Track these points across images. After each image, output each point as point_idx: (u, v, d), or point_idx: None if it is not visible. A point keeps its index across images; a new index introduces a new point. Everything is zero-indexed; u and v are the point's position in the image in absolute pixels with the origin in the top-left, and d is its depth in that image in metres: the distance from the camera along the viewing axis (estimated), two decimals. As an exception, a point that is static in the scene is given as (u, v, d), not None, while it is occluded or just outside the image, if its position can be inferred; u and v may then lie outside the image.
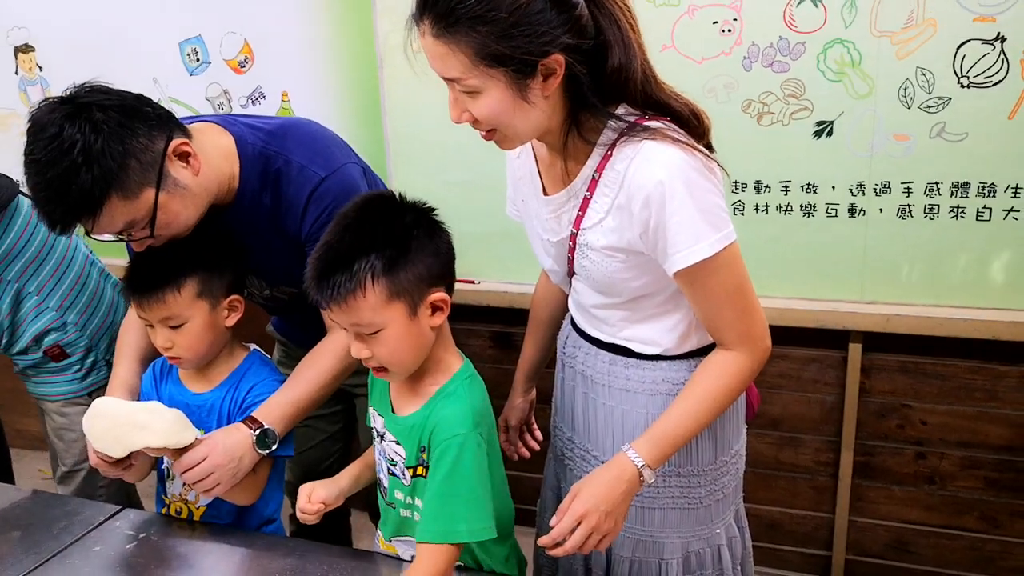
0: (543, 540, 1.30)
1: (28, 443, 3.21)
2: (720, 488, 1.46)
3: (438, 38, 1.13)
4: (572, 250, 1.35)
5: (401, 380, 1.35)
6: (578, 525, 1.26)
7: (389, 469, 1.41)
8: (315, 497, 1.44)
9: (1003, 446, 2.14)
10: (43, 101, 1.36)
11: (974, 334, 2.03)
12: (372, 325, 1.23)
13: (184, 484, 1.63)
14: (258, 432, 1.48)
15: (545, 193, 1.39)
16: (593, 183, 1.27)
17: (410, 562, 1.41)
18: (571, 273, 1.41)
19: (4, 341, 1.98)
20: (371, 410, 1.47)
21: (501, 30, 1.10)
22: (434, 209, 1.31)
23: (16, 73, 2.75)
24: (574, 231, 1.32)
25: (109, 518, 1.61)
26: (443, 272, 1.28)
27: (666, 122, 1.24)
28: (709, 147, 1.30)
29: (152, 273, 1.50)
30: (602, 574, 1.52)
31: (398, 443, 1.37)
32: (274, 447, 1.50)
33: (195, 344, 1.55)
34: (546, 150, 1.35)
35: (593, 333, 1.45)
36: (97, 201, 1.32)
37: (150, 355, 1.68)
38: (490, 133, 1.24)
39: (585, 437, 1.51)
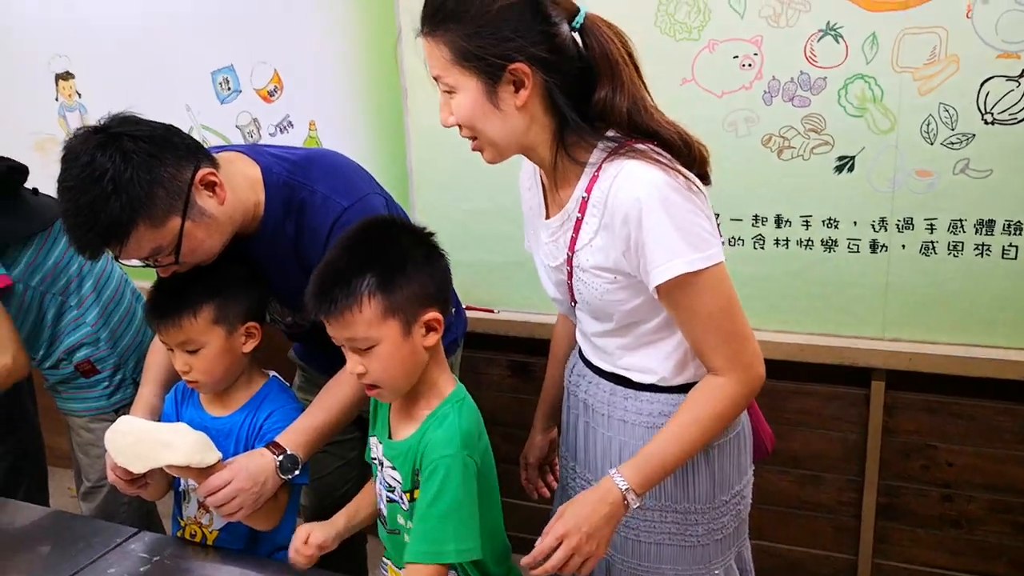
0: (525, 559, 1.31)
1: (60, 460, 3.27)
2: (719, 528, 1.45)
3: (427, 36, 1.25)
4: (570, 275, 1.37)
5: (395, 400, 1.39)
6: (559, 545, 1.27)
7: (388, 496, 1.43)
8: (312, 540, 1.46)
9: (1033, 490, 2.09)
10: (78, 130, 1.41)
11: (1000, 374, 1.98)
12: (367, 340, 1.28)
13: (200, 507, 1.66)
14: (281, 458, 1.50)
15: (547, 217, 1.42)
16: (583, 203, 1.30)
17: None
18: (573, 301, 1.42)
19: (40, 353, 2.04)
20: (372, 440, 1.49)
21: (471, 29, 1.20)
22: (432, 234, 1.37)
23: (56, 100, 2.84)
24: (569, 254, 1.35)
25: (125, 540, 1.64)
26: (438, 294, 1.33)
27: (652, 145, 1.26)
28: (704, 177, 1.31)
29: (171, 298, 1.54)
30: None
31: (394, 468, 1.39)
32: (297, 472, 1.52)
33: (211, 368, 1.58)
34: (547, 176, 1.39)
35: (596, 362, 1.47)
36: (125, 228, 1.37)
37: (174, 378, 1.72)
38: (474, 142, 1.31)
39: (585, 466, 1.52)
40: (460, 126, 1.29)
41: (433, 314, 1.31)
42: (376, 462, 1.46)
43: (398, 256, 1.29)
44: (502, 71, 1.21)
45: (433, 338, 1.32)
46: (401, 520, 1.42)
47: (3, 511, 1.81)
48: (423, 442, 1.33)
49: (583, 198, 1.30)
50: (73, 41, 2.75)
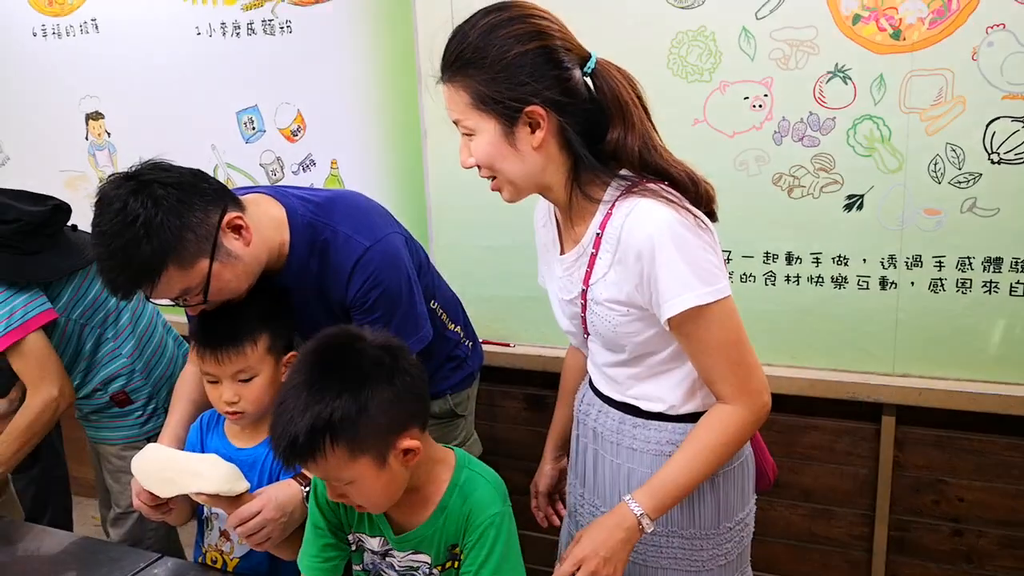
0: None
1: (84, 490, 3.31)
2: (723, 554, 1.48)
3: (447, 83, 1.31)
4: (584, 308, 1.41)
5: (381, 511, 1.36)
6: (578, 570, 1.31)
7: (411, 574, 1.42)
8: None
9: (1044, 526, 2.09)
10: (111, 176, 1.48)
11: (1007, 410, 1.99)
12: (342, 479, 1.24)
13: (221, 534, 1.70)
14: (308, 489, 1.52)
15: (562, 253, 1.46)
16: (598, 240, 1.34)
17: None
18: (586, 332, 1.46)
19: (76, 383, 2.10)
20: (354, 536, 1.44)
21: (488, 75, 1.25)
22: (400, 347, 1.28)
23: (86, 139, 2.92)
24: (584, 288, 1.39)
25: (148, 565, 1.69)
26: (410, 416, 1.26)
27: (663, 185, 1.32)
28: (711, 214, 1.36)
29: (229, 327, 1.58)
30: None
31: (417, 552, 1.39)
32: None
33: (261, 398, 1.61)
34: (561, 213, 1.44)
35: (605, 391, 1.51)
36: (156, 270, 1.42)
37: (202, 407, 1.77)
38: (493, 182, 1.36)
39: (594, 493, 1.55)
40: (479, 167, 1.34)
41: (408, 441, 1.24)
42: (367, 551, 1.44)
43: (357, 388, 1.19)
44: (519, 113, 1.26)
45: (414, 458, 1.26)
46: None
47: (30, 536, 1.86)
48: (454, 515, 1.34)
49: (597, 234, 1.34)
50: (103, 81, 2.84)
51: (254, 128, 2.64)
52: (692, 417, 1.42)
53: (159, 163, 1.50)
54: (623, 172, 1.34)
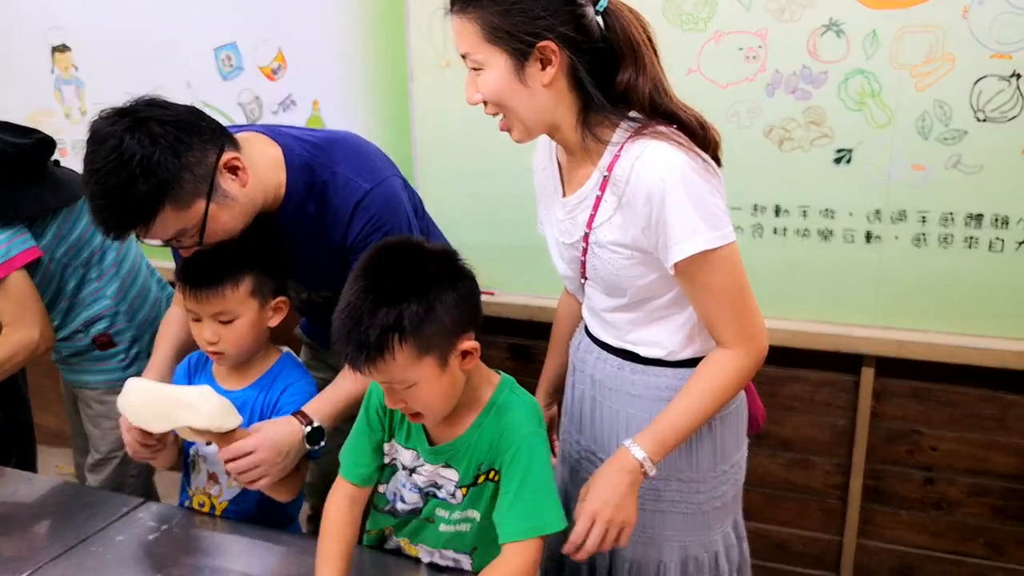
0: (566, 548, 1.34)
1: (45, 439, 3.23)
2: (719, 496, 1.51)
3: (457, 14, 1.28)
4: (584, 251, 1.41)
5: (436, 422, 1.36)
6: (593, 524, 1.31)
7: (431, 493, 1.42)
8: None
9: (1011, 474, 2.17)
10: (103, 111, 1.42)
11: (984, 362, 2.06)
12: (405, 381, 1.24)
13: (209, 477, 1.67)
14: (309, 429, 1.52)
15: (564, 195, 1.45)
16: (604, 181, 1.34)
17: (430, 566, 1.46)
18: (584, 277, 1.46)
19: (55, 324, 2.03)
20: (390, 445, 1.45)
21: (503, 7, 1.24)
22: (455, 253, 1.31)
23: (52, 72, 2.81)
24: (587, 231, 1.39)
25: (132, 509, 1.66)
26: (470, 318, 1.28)
27: (673, 128, 1.31)
28: (717, 160, 1.36)
29: (211, 268, 1.55)
30: (605, 574, 1.57)
31: (448, 466, 1.38)
32: (323, 443, 1.55)
33: (241, 340, 1.60)
34: (565, 155, 1.43)
35: (603, 337, 1.51)
36: (152, 210, 1.39)
37: (187, 348, 1.73)
38: (502, 120, 1.34)
39: (591, 439, 1.56)
40: (486, 103, 1.32)
41: (468, 342, 1.27)
42: (399, 466, 1.45)
43: (424, 289, 1.21)
44: (531, 48, 1.25)
45: (471, 361, 1.29)
46: (443, 512, 1.42)
47: (5, 481, 1.81)
48: (489, 432, 1.34)
49: (604, 176, 1.34)
50: (70, 13, 2.71)
51: (232, 65, 2.56)
52: (691, 363, 1.43)
53: (155, 99, 1.45)
54: (632, 114, 1.33)
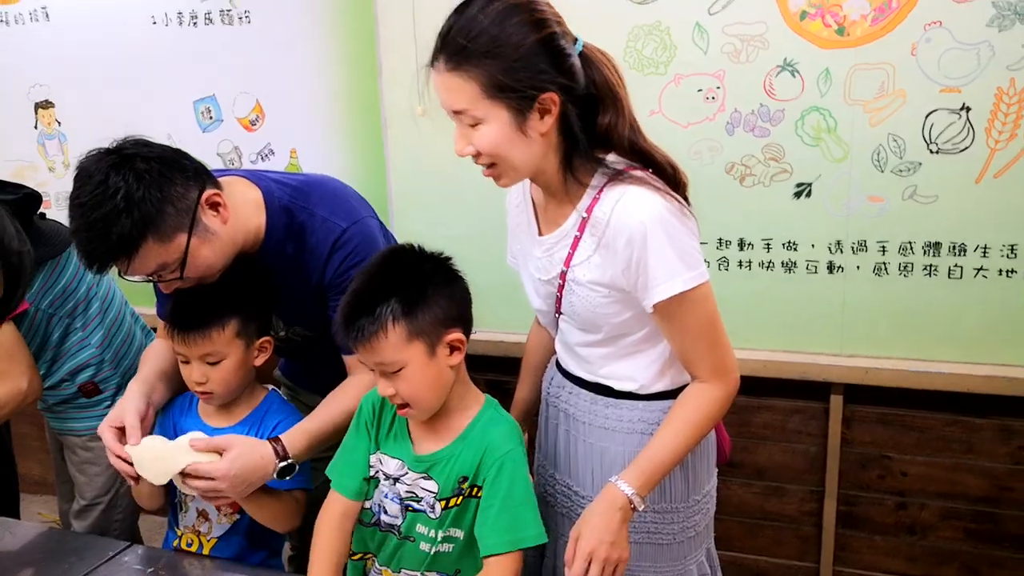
0: None
1: (26, 486, 3.24)
2: (692, 525, 1.54)
3: (451, 72, 1.27)
4: (561, 288, 1.45)
5: (424, 419, 1.44)
6: (590, 563, 1.33)
7: (409, 507, 1.47)
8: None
9: (981, 497, 2.20)
10: (91, 151, 1.47)
11: (949, 387, 2.10)
12: (394, 363, 1.34)
13: (199, 515, 1.71)
14: (283, 465, 1.55)
15: (540, 234, 1.49)
16: (583, 223, 1.38)
17: None
18: (558, 312, 1.50)
19: (40, 373, 2.05)
20: (376, 456, 1.52)
21: (506, 64, 1.24)
22: (450, 259, 1.44)
23: (36, 127, 2.87)
24: (564, 269, 1.43)
25: (118, 553, 1.67)
26: (459, 315, 1.40)
27: (648, 173, 1.36)
28: (686, 200, 1.40)
29: (198, 311, 1.60)
30: None
31: (427, 477, 1.44)
32: (289, 477, 1.57)
33: (228, 380, 1.64)
34: (543, 195, 1.46)
35: (576, 372, 1.54)
36: (135, 243, 1.42)
37: (172, 367, 1.74)
38: (490, 168, 1.35)
39: (566, 473, 1.59)
40: (478, 154, 1.33)
41: (456, 334, 1.38)
42: (381, 477, 1.50)
43: (419, 281, 1.36)
44: (534, 101, 1.27)
45: (457, 357, 1.39)
46: (422, 528, 1.46)
47: (-11, 528, 1.83)
48: (473, 448, 1.41)
49: (583, 218, 1.38)
50: (53, 70, 2.78)
51: (212, 117, 2.62)
52: (662, 395, 1.48)
53: (140, 139, 1.50)
54: (611, 157, 1.38)
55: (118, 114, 2.69)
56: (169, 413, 1.76)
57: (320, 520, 1.52)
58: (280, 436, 1.57)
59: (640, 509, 1.37)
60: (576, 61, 1.30)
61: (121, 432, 1.60)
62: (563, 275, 1.43)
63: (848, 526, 2.34)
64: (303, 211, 1.64)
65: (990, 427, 2.16)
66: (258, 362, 1.69)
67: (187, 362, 1.63)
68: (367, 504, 1.53)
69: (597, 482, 1.51)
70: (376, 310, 1.32)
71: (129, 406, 1.62)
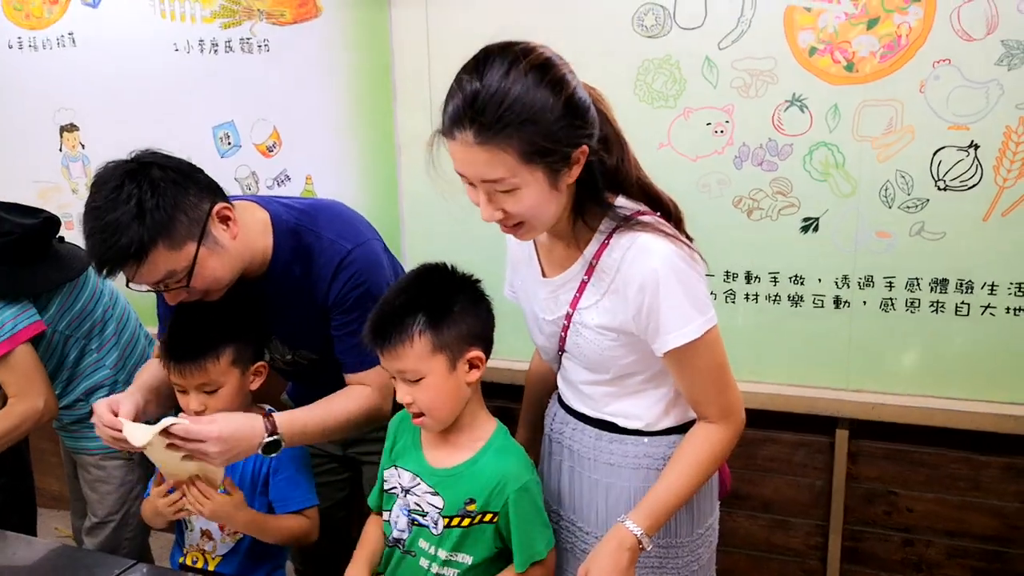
0: None
1: (44, 501, 3.29)
2: (696, 559, 1.54)
3: (484, 144, 1.20)
4: (566, 328, 1.45)
5: (437, 429, 1.49)
6: None
7: (415, 520, 1.52)
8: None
9: (989, 536, 2.19)
10: (109, 161, 1.51)
11: (956, 424, 2.09)
12: (416, 372, 1.41)
13: (203, 535, 1.74)
14: (269, 440, 1.56)
15: (544, 275, 1.50)
16: (591, 268, 1.39)
17: None
18: (561, 351, 1.50)
19: (56, 393, 2.12)
20: (390, 470, 1.58)
21: (546, 129, 1.21)
22: (479, 281, 1.51)
23: (60, 150, 2.94)
24: (570, 311, 1.43)
25: (125, 571, 1.70)
26: (481, 334, 1.47)
27: (656, 217, 1.37)
28: (688, 236, 1.42)
29: (192, 343, 1.64)
30: None
31: (435, 493, 1.49)
32: (276, 454, 1.60)
33: (226, 407, 1.67)
34: (546, 236, 1.45)
35: (580, 409, 1.54)
36: (146, 247, 1.45)
37: (163, 388, 1.76)
38: (516, 227, 1.32)
39: (571, 510, 1.58)
40: (506, 216, 1.29)
41: (477, 352, 1.45)
42: (397, 491, 1.55)
43: (447, 298, 1.43)
44: (570, 158, 1.26)
45: (475, 375, 1.46)
46: (424, 544, 1.52)
47: (5, 544, 1.86)
48: (485, 472, 1.47)
49: (591, 263, 1.39)
50: (78, 94, 2.85)
51: (230, 143, 2.68)
52: (667, 432, 1.48)
53: (158, 152, 1.55)
54: (619, 202, 1.39)
55: (140, 136, 2.71)
56: None
57: (367, 524, 1.67)
58: (273, 414, 1.60)
59: (648, 549, 1.38)
60: (593, 108, 1.28)
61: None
62: (568, 316, 1.44)
63: (853, 561, 2.33)
64: (310, 233, 1.68)
65: (998, 465, 2.14)
66: (253, 387, 1.73)
67: (185, 392, 1.66)
68: (385, 516, 1.59)
69: (602, 518, 1.51)
70: (405, 320, 1.39)
71: (127, 398, 1.64)
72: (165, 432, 1.48)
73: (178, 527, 1.81)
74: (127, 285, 1.54)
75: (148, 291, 1.57)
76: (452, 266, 1.50)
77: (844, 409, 2.19)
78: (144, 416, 1.69)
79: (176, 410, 1.71)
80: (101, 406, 1.59)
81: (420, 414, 1.45)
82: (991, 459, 2.15)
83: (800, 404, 2.22)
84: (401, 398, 1.45)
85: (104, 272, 1.48)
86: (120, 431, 1.54)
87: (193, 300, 1.59)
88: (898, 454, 2.23)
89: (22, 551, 1.84)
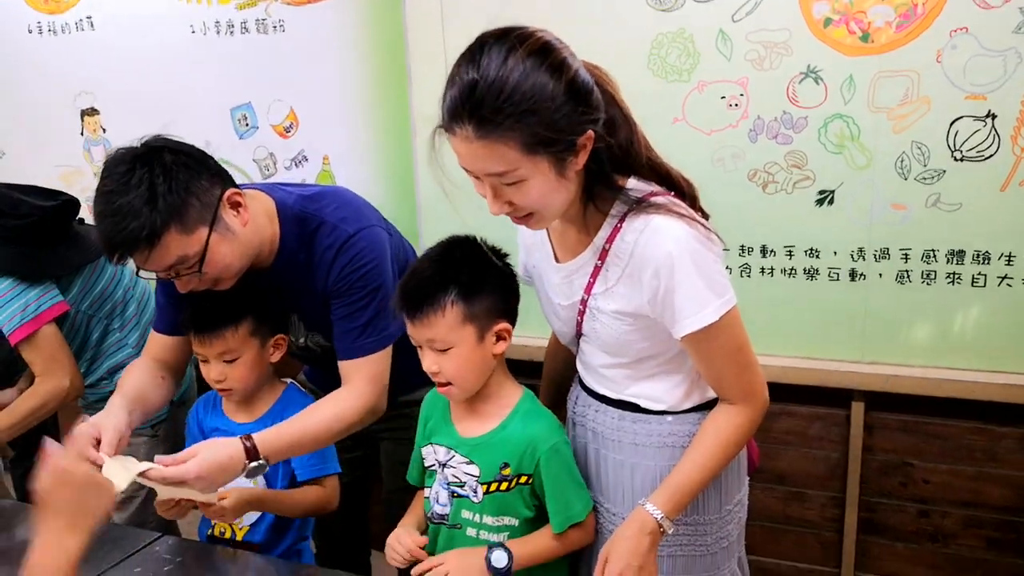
0: None
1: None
2: (725, 535, 1.53)
3: (485, 138, 1.17)
4: (582, 313, 1.45)
5: (462, 398, 1.52)
6: None
7: (455, 492, 1.54)
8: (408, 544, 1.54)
9: (1004, 506, 2.19)
10: (119, 148, 1.50)
11: (971, 395, 2.09)
12: (445, 342, 1.43)
13: None
14: (253, 465, 1.52)
15: (557, 260, 1.48)
16: (604, 253, 1.37)
17: None
18: (579, 335, 1.50)
19: (82, 371, 2.16)
20: (427, 448, 1.60)
21: (547, 118, 1.17)
22: (508, 255, 1.52)
23: (82, 134, 2.98)
24: (585, 296, 1.42)
25: (150, 543, 1.75)
26: (509, 307, 1.49)
27: (669, 197, 1.34)
28: (703, 213, 1.40)
29: (212, 312, 1.68)
30: None
31: (470, 462, 1.51)
32: (261, 475, 1.62)
33: (246, 376, 1.72)
34: (558, 221, 1.42)
35: (601, 391, 1.53)
36: (158, 232, 1.44)
37: (148, 394, 1.73)
38: (526, 218, 1.30)
39: (598, 491, 1.57)
40: (512, 207, 1.28)
41: (504, 325, 1.47)
42: (436, 466, 1.58)
43: (479, 271, 1.45)
44: (575, 145, 1.22)
45: (502, 346, 1.48)
46: (467, 514, 1.54)
47: (30, 519, 1.91)
48: (516, 436, 1.50)
49: (604, 248, 1.37)
50: (98, 78, 2.89)
51: (248, 124, 2.70)
52: (691, 410, 1.47)
53: (169, 137, 1.55)
54: (630, 183, 1.36)
55: (159, 120, 2.75)
56: (194, 412, 1.85)
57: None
58: (253, 435, 1.53)
59: (669, 532, 1.38)
60: (596, 90, 1.24)
61: (97, 443, 1.54)
62: (584, 302, 1.43)
63: (869, 532, 2.34)
64: (314, 219, 1.67)
65: (1014, 436, 2.14)
66: (274, 359, 1.76)
67: (206, 361, 1.71)
68: (426, 493, 1.61)
69: (628, 499, 1.50)
70: (437, 290, 1.41)
71: (110, 423, 1.57)
72: (143, 474, 1.46)
73: (204, 502, 1.85)
74: (136, 273, 1.54)
75: (160, 277, 1.56)
76: (482, 239, 1.51)
77: (860, 382, 2.19)
78: (131, 429, 1.64)
79: (164, 418, 1.68)
80: (82, 437, 1.52)
81: (447, 383, 1.47)
82: (1007, 430, 2.14)
83: (816, 377, 2.22)
84: (428, 367, 1.46)
85: (116, 257, 1.47)
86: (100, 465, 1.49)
87: (203, 288, 1.59)
88: (914, 426, 2.23)
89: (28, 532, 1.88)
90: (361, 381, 1.66)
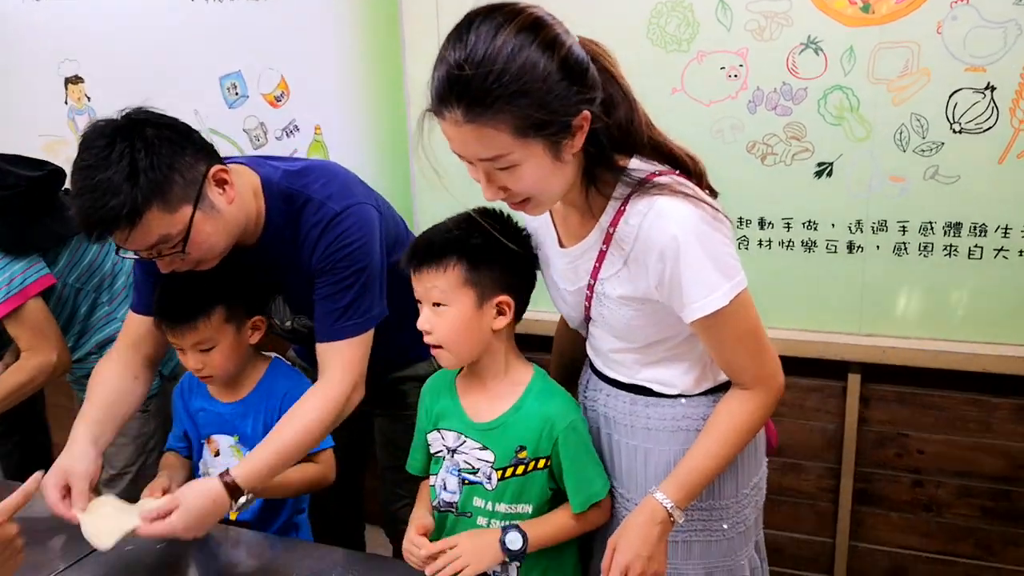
0: None
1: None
2: (742, 520, 1.48)
3: (474, 122, 1.12)
4: (589, 298, 1.40)
5: (452, 366, 1.49)
6: None
7: (466, 479, 1.49)
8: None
9: (997, 476, 2.22)
10: (99, 120, 1.41)
11: (967, 367, 2.11)
12: (444, 301, 1.40)
13: None
14: (241, 500, 1.49)
15: (561, 245, 1.44)
16: (608, 237, 1.32)
17: None
18: (588, 319, 1.46)
19: (69, 346, 2.12)
20: (433, 434, 1.55)
21: (539, 100, 1.11)
22: (529, 236, 1.49)
23: (66, 103, 2.91)
24: (591, 281, 1.38)
25: (140, 523, 1.73)
26: (516, 283, 1.44)
27: (673, 176, 1.29)
28: (711, 191, 1.36)
29: (183, 303, 1.61)
30: None
31: (484, 448, 1.47)
32: (248, 507, 1.55)
33: (224, 363, 1.68)
34: (561, 204, 1.39)
35: (612, 375, 1.49)
36: (139, 209, 1.35)
37: (119, 400, 1.69)
38: (523, 203, 1.25)
39: (612, 476, 1.53)
40: (508, 192, 1.23)
41: (506, 297, 1.42)
42: (445, 452, 1.53)
43: (493, 239, 1.39)
44: (569, 127, 1.16)
45: (502, 321, 1.43)
46: (479, 502, 1.49)
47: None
48: (531, 417, 1.45)
49: (608, 231, 1.31)
50: (82, 46, 2.80)
51: (237, 93, 2.65)
52: (704, 393, 1.43)
53: (151, 109, 1.45)
54: (633, 164, 1.30)
55: (146, 89, 2.68)
56: (179, 391, 1.82)
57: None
58: (232, 471, 1.47)
59: (680, 522, 1.34)
60: (592, 68, 1.18)
61: (67, 491, 1.51)
62: (591, 287, 1.39)
63: (864, 503, 2.36)
64: (301, 195, 1.59)
65: (1008, 407, 2.16)
66: (252, 340, 1.72)
67: (183, 351, 1.65)
68: (432, 481, 1.56)
69: (641, 485, 1.45)
70: (445, 247, 1.39)
71: (79, 468, 1.51)
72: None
73: (195, 475, 1.83)
74: (116, 253, 1.45)
75: (141, 257, 1.48)
76: (508, 214, 1.44)
77: (856, 353, 2.20)
78: (102, 453, 1.60)
79: (155, 392, 1.66)
80: (52, 492, 1.47)
81: (437, 346, 1.43)
82: (1001, 401, 2.17)
83: (813, 349, 2.23)
84: (421, 324, 1.42)
85: (94, 235, 1.38)
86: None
87: (186, 269, 1.51)
88: (909, 397, 2.25)
89: (40, 502, 1.83)
90: (337, 370, 1.59)
